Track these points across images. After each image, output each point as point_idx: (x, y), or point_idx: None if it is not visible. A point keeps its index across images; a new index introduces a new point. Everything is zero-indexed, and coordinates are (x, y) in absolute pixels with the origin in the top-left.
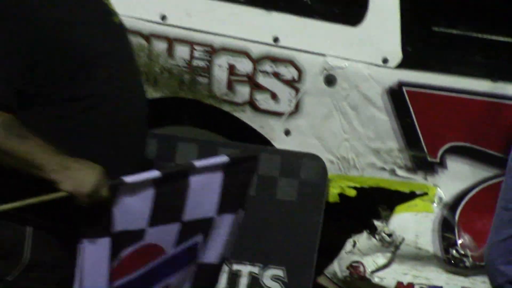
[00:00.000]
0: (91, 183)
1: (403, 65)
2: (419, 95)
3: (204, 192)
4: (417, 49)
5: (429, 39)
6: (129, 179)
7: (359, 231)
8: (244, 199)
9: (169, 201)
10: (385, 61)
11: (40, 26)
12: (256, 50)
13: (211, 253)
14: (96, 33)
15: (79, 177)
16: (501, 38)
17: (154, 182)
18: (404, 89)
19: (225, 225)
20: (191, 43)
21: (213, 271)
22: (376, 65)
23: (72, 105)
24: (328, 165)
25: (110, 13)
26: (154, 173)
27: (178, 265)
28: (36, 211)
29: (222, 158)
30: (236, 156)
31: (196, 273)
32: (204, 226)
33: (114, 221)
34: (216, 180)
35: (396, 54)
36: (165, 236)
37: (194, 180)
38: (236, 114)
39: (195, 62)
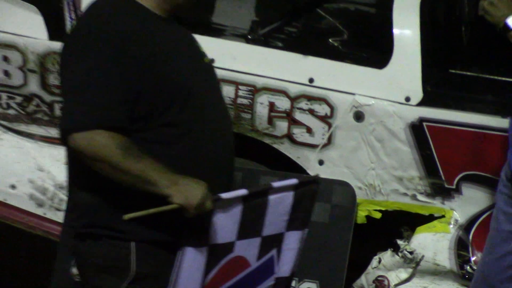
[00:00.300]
0: (199, 196)
1: (423, 103)
2: (437, 130)
3: (278, 209)
4: (436, 89)
5: (446, 80)
6: (225, 195)
7: (384, 249)
8: (308, 218)
9: (253, 217)
10: (407, 99)
11: (146, 60)
12: (294, 89)
13: (284, 267)
14: (191, 69)
15: (188, 191)
16: (508, 79)
17: (242, 199)
18: (424, 124)
19: (293, 241)
20: (236, 83)
21: (286, 284)
22: (400, 103)
23: (169, 130)
24: (356, 191)
25: (201, 54)
26: (243, 191)
27: (260, 278)
28: (142, 224)
29: (293, 180)
30: (303, 179)
31: (273, 287)
32: (277, 241)
33: (212, 233)
34: (288, 199)
35: (417, 93)
36: (249, 249)
37: (272, 199)
38: (276, 146)
39: (240, 100)
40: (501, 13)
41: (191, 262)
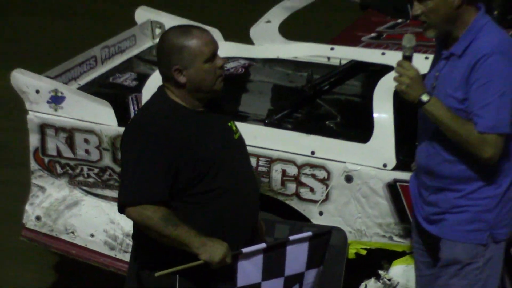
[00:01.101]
0: (220, 255)
1: (396, 168)
2: (407, 187)
3: (297, 255)
4: (406, 158)
5: (413, 151)
6: (245, 249)
7: (369, 277)
8: (323, 259)
9: (273, 263)
10: (385, 165)
11: (181, 147)
12: (300, 159)
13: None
14: (220, 147)
15: (213, 250)
16: None
17: (263, 250)
18: (398, 184)
19: (311, 276)
20: (257, 156)
21: None
22: (379, 168)
23: (204, 195)
24: (348, 234)
25: (231, 132)
26: (262, 245)
27: None
28: (182, 274)
29: (308, 233)
30: (317, 232)
31: None
32: (298, 278)
33: (238, 278)
34: (304, 247)
35: (392, 161)
36: (275, 286)
37: (289, 248)
38: (287, 202)
39: (260, 168)
40: (416, 93)
41: None
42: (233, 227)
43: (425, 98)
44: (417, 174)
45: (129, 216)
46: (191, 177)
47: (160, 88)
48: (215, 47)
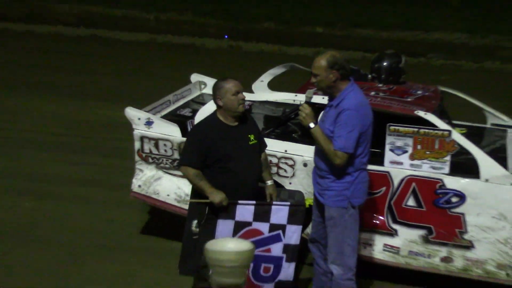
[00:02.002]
0: (218, 199)
1: None
2: None
3: (279, 212)
4: None
5: None
6: (240, 201)
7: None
8: (300, 220)
9: (262, 213)
10: None
11: (206, 145)
12: (279, 154)
13: (291, 239)
14: (232, 148)
15: (214, 196)
16: None
17: (254, 204)
18: None
19: (293, 230)
20: None
21: (295, 248)
22: None
23: (219, 170)
24: (305, 194)
25: (248, 140)
26: (253, 202)
27: (270, 241)
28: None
29: (287, 202)
30: (293, 203)
31: (284, 248)
32: (282, 227)
33: (235, 215)
34: (285, 209)
35: None
36: (262, 227)
37: (274, 207)
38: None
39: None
40: (307, 122)
41: (223, 226)
42: (231, 189)
43: (312, 125)
44: (315, 169)
45: (180, 170)
46: (212, 160)
47: (214, 111)
48: (239, 88)
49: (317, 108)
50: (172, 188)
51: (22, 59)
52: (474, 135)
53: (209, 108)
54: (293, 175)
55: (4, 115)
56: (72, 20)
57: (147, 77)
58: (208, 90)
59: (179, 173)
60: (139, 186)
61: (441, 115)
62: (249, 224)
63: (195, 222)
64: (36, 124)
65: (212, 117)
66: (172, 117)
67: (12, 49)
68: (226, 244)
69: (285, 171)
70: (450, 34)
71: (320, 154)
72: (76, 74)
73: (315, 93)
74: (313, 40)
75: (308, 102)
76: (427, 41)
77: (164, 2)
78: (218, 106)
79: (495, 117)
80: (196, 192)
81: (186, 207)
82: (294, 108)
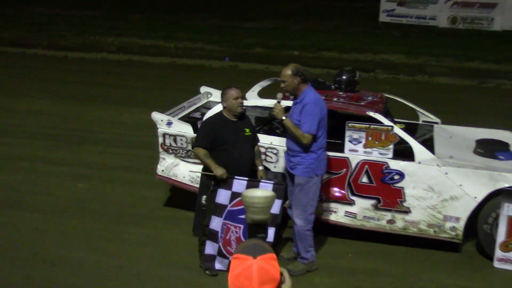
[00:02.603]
0: (220, 173)
1: None
2: None
3: (265, 188)
4: None
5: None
6: (236, 177)
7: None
8: (281, 195)
9: (251, 188)
10: None
11: (214, 132)
12: (266, 146)
13: (273, 209)
14: (232, 136)
15: (217, 170)
16: None
17: (246, 180)
18: None
19: (277, 205)
20: None
21: (275, 216)
22: None
23: (221, 151)
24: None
25: (244, 132)
26: (246, 178)
27: None
28: (210, 175)
29: (272, 181)
30: (276, 182)
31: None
32: None
33: (232, 187)
34: (270, 186)
35: None
36: None
37: (261, 184)
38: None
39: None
40: (279, 116)
41: (223, 193)
42: (229, 167)
43: (283, 118)
44: (287, 151)
45: (193, 151)
46: (216, 145)
47: (220, 110)
48: (239, 94)
49: (286, 107)
50: (187, 172)
51: (81, 79)
52: (410, 129)
53: (215, 109)
54: (277, 161)
55: (56, 118)
56: (113, 49)
57: (168, 89)
58: (214, 98)
59: (192, 160)
60: (162, 170)
61: (386, 115)
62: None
63: (204, 197)
64: (85, 125)
65: (219, 114)
66: (186, 119)
67: (72, 72)
68: (256, 192)
69: (271, 158)
70: (392, 55)
71: (291, 138)
72: (118, 88)
73: (284, 95)
74: (291, 61)
75: (278, 102)
76: (375, 60)
77: (181, 34)
78: (223, 107)
79: (425, 116)
80: (205, 169)
81: (197, 185)
82: None
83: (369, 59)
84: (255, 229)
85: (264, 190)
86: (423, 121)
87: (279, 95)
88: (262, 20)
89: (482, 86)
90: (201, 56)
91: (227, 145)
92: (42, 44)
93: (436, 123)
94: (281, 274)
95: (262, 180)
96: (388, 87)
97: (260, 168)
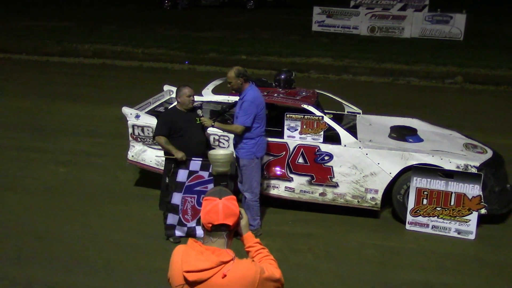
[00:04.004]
0: (179, 156)
1: None
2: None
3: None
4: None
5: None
6: (193, 158)
7: None
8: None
9: (204, 166)
10: None
11: (170, 121)
12: (219, 133)
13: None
14: (186, 124)
15: (178, 153)
16: None
17: (200, 161)
18: None
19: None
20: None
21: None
22: None
23: (177, 137)
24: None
25: (195, 120)
26: (200, 159)
27: (207, 182)
28: (170, 159)
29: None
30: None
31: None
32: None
33: (189, 166)
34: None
35: None
36: (204, 174)
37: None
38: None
39: (211, 137)
40: (209, 124)
41: (182, 173)
42: (188, 150)
43: (213, 124)
44: (234, 138)
45: (155, 139)
46: (174, 132)
47: (175, 104)
48: (191, 92)
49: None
50: (153, 156)
51: (61, 80)
52: (337, 119)
53: (173, 105)
54: (228, 146)
55: (40, 113)
56: (89, 54)
57: (136, 88)
58: (174, 95)
59: (157, 147)
60: (132, 156)
61: (317, 107)
62: (197, 172)
63: (167, 177)
64: (65, 119)
65: (173, 108)
66: (152, 112)
67: (53, 74)
68: (219, 151)
69: (223, 144)
70: (322, 58)
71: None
72: (94, 88)
73: (231, 93)
74: (240, 63)
75: (202, 116)
76: (308, 63)
77: (147, 41)
78: (177, 101)
79: (349, 107)
80: (166, 154)
81: (162, 168)
82: (228, 104)
83: (303, 62)
84: (219, 179)
85: (225, 150)
86: (348, 112)
87: (199, 111)
88: (215, 30)
89: (395, 82)
90: (165, 60)
91: (182, 131)
92: (26, 51)
93: (359, 113)
94: (240, 212)
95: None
96: (320, 84)
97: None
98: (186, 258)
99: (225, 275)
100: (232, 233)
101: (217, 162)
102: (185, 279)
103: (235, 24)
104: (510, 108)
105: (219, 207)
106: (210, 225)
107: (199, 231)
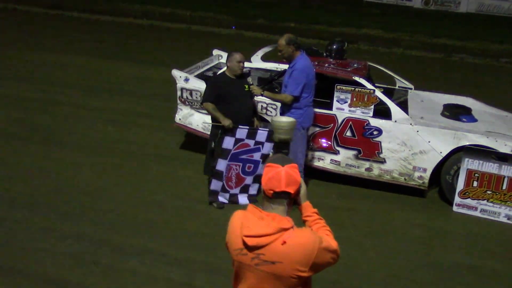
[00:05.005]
0: (227, 123)
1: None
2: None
3: (262, 135)
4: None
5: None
6: (240, 126)
7: None
8: (271, 140)
9: (251, 133)
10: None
11: (218, 88)
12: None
13: (265, 150)
14: (235, 91)
15: (225, 121)
16: None
17: (247, 129)
18: None
19: (269, 146)
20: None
21: (267, 155)
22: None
23: (225, 104)
24: None
25: (243, 87)
26: (247, 127)
27: (254, 150)
28: (218, 125)
29: (267, 129)
30: (270, 129)
31: (261, 155)
32: (262, 143)
33: (235, 134)
34: (265, 133)
35: None
36: (250, 142)
37: (259, 131)
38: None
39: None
40: (258, 93)
41: (228, 140)
42: (235, 117)
43: (262, 93)
44: (281, 107)
45: (203, 106)
46: (222, 99)
47: (224, 70)
48: (242, 58)
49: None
50: (200, 121)
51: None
52: (388, 93)
53: (223, 70)
54: (275, 114)
55: (91, 72)
56: (138, 14)
57: (184, 51)
58: (223, 60)
59: (204, 111)
60: (180, 119)
61: (368, 80)
62: (243, 140)
63: (213, 142)
64: (114, 79)
65: (222, 73)
66: (201, 76)
67: (103, 33)
68: (282, 118)
69: (271, 112)
70: (372, 30)
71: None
72: (142, 48)
73: (281, 61)
74: (288, 31)
75: (251, 84)
76: (358, 34)
77: (195, 4)
78: (227, 66)
79: (401, 82)
80: (214, 120)
81: (209, 132)
82: (277, 72)
83: (353, 33)
84: (281, 146)
85: (288, 117)
86: (399, 87)
87: (249, 79)
88: None
89: (448, 59)
90: (212, 24)
91: (230, 98)
92: (77, 8)
93: (410, 88)
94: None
95: (259, 128)
96: (369, 56)
97: (255, 120)
98: (246, 222)
99: (284, 242)
100: (292, 201)
101: (280, 129)
102: (244, 243)
103: None
104: None
105: (282, 175)
106: (272, 191)
107: (242, 199)
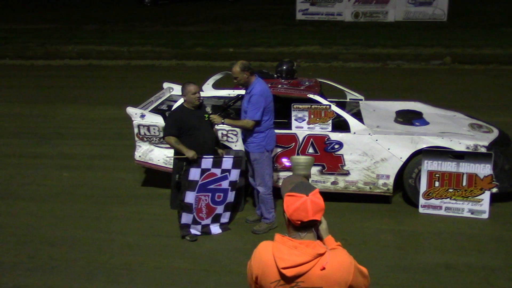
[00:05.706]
0: (191, 155)
1: None
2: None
3: (227, 162)
4: None
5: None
6: (204, 156)
7: None
8: (240, 166)
9: (216, 163)
10: None
11: (180, 121)
12: (227, 128)
13: (233, 177)
14: (195, 122)
15: (189, 153)
16: None
17: (212, 158)
18: None
19: (235, 172)
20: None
21: (235, 182)
22: None
23: (187, 136)
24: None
25: (203, 117)
26: (211, 157)
27: (221, 179)
28: (182, 158)
29: (231, 156)
30: (236, 156)
31: (229, 183)
32: (228, 171)
33: (201, 165)
34: (230, 160)
35: None
36: (216, 171)
37: (224, 159)
38: (224, 143)
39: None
40: (218, 121)
41: (194, 172)
42: (198, 148)
43: (223, 122)
44: (242, 133)
45: (165, 140)
46: (184, 131)
47: (182, 103)
48: (197, 89)
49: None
50: (161, 156)
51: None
52: (342, 106)
53: (179, 103)
54: (237, 140)
55: (34, 118)
56: (74, 55)
57: (126, 88)
58: (175, 92)
59: (164, 145)
60: (140, 156)
61: (322, 96)
62: (209, 169)
63: (177, 175)
64: (60, 123)
65: (181, 106)
66: (156, 111)
67: (40, 77)
68: (301, 157)
69: (232, 138)
70: (310, 47)
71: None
72: (83, 89)
73: (236, 87)
74: (227, 56)
75: (211, 114)
76: (296, 52)
77: (132, 39)
78: (184, 100)
79: (351, 94)
80: (176, 153)
81: (171, 166)
82: (231, 99)
83: (291, 51)
84: None
85: (305, 156)
86: (350, 99)
87: (207, 108)
88: (199, 24)
89: (385, 67)
90: (152, 57)
91: (192, 130)
92: (9, 55)
93: (361, 99)
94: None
95: (224, 156)
96: (311, 73)
97: (219, 148)
98: (279, 254)
99: (324, 268)
100: (318, 224)
101: (299, 166)
102: (282, 275)
103: (218, 17)
104: (500, 86)
105: (308, 204)
106: (299, 222)
107: (214, 229)
